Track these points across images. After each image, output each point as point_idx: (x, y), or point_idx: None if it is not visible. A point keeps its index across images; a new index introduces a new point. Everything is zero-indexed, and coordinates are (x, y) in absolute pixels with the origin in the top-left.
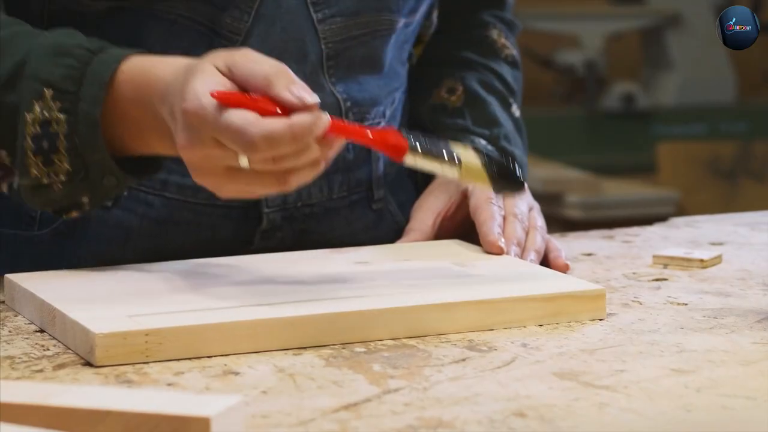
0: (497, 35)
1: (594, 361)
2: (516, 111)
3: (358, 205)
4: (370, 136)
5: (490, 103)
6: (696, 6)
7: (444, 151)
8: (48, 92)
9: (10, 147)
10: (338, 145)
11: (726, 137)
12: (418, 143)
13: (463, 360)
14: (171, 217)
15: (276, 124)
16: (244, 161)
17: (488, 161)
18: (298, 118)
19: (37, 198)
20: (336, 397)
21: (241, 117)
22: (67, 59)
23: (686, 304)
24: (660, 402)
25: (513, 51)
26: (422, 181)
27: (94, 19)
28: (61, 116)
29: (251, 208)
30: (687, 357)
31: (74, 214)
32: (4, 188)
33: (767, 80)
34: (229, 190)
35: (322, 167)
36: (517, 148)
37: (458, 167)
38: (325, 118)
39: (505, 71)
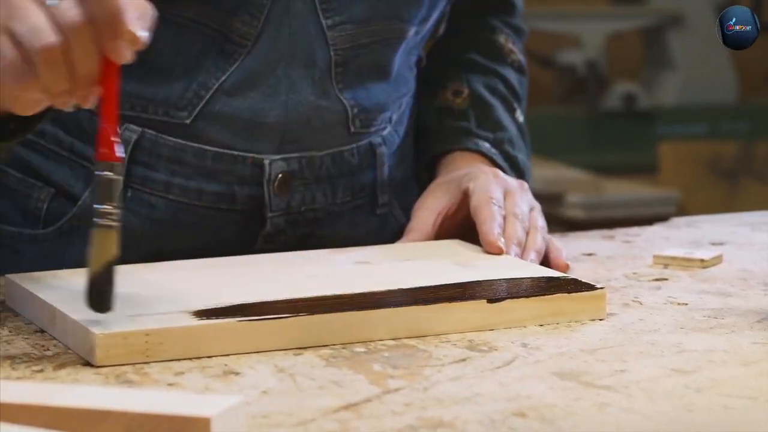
0: (504, 40)
1: (594, 361)
2: (520, 116)
3: (362, 210)
4: (101, 124)
5: (495, 107)
6: (697, 6)
7: (117, 211)
8: None
9: None
10: (92, 98)
11: (727, 137)
12: (111, 179)
13: (464, 360)
14: (174, 220)
15: None
16: None
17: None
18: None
19: None
20: (336, 397)
21: None
22: None
23: (687, 304)
24: (660, 402)
25: (519, 56)
26: (428, 183)
27: None
28: None
29: (255, 211)
30: (687, 357)
31: None
32: None
33: None
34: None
35: (65, 98)
36: (521, 153)
37: (106, 225)
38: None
39: (511, 76)
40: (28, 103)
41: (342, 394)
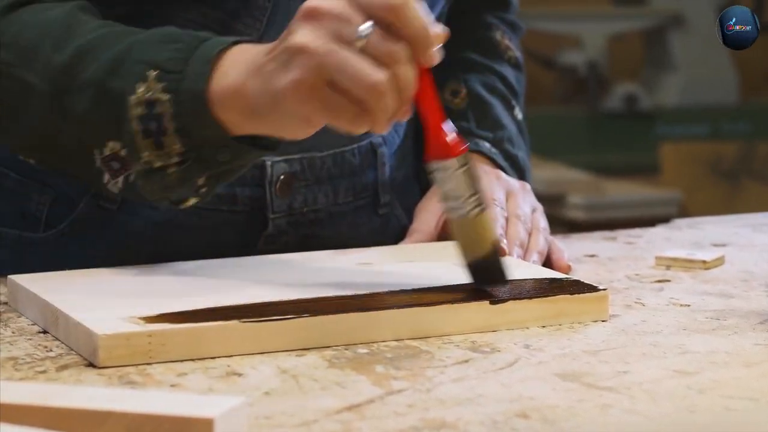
0: (500, 36)
1: (597, 363)
2: (519, 113)
3: (363, 211)
4: (438, 122)
5: (493, 105)
6: (698, 6)
7: (480, 193)
8: (152, 73)
9: (119, 136)
10: (411, 109)
11: (728, 138)
12: (470, 169)
13: (466, 361)
14: (176, 221)
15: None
16: (366, 27)
17: (497, 245)
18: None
19: (151, 184)
20: (339, 398)
21: None
22: (175, 44)
23: (689, 306)
24: (663, 403)
25: (516, 53)
26: (429, 184)
27: None
28: (165, 96)
29: (256, 213)
30: (690, 358)
31: (192, 201)
32: (120, 183)
33: None
34: (316, 106)
35: (391, 120)
36: (521, 151)
37: (477, 212)
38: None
39: (508, 73)
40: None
41: (344, 395)
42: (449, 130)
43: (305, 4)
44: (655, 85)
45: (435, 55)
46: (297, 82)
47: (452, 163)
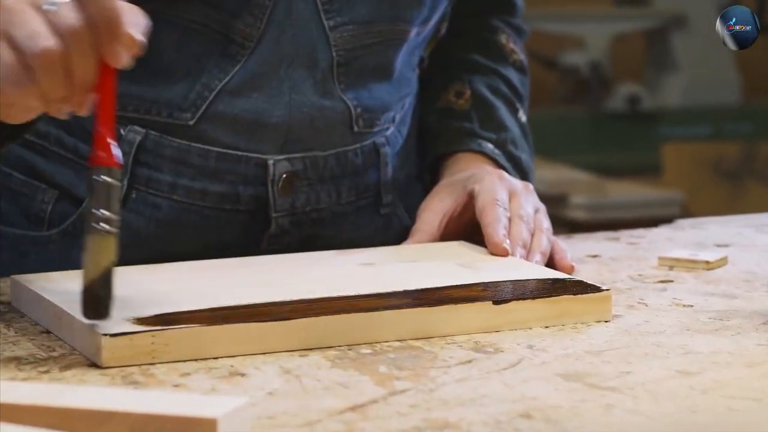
0: (506, 40)
1: (600, 363)
2: (523, 116)
3: (366, 210)
4: (98, 128)
5: (497, 107)
6: (701, 7)
7: (115, 215)
8: None
9: None
10: (87, 104)
11: (731, 138)
12: (110, 184)
13: (469, 361)
14: (179, 220)
15: None
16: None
17: (106, 273)
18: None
19: None
20: (342, 399)
21: None
22: None
23: (692, 306)
24: (665, 403)
25: (521, 56)
26: (431, 184)
27: None
28: None
29: (259, 212)
30: (692, 359)
31: None
32: None
33: None
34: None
35: (62, 103)
36: (524, 153)
37: (102, 231)
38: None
39: (513, 76)
40: (23, 110)
41: (348, 396)
42: (113, 141)
43: None
44: (657, 86)
45: (119, 54)
46: None
47: (104, 170)
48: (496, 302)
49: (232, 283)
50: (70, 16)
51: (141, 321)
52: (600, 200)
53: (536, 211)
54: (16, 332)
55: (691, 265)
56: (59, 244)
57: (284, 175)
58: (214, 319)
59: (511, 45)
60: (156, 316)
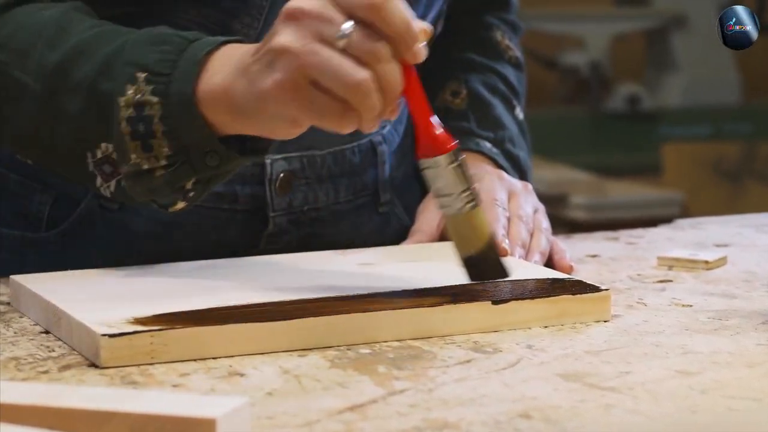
0: (501, 37)
1: (599, 363)
2: (520, 113)
3: (364, 209)
4: (427, 119)
5: (494, 105)
6: (701, 7)
7: (473, 188)
8: (141, 75)
9: (111, 138)
10: (398, 107)
11: (731, 138)
12: (462, 158)
13: (468, 361)
14: (177, 220)
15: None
16: (347, 27)
17: (492, 239)
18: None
19: (139, 186)
20: (341, 399)
21: None
22: (164, 46)
23: (691, 306)
24: (665, 403)
25: (517, 53)
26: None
27: None
28: (154, 99)
29: (257, 211)
30: (692, 358)
31: (180, 205)
32: (112, 187)
33: None
34: (301, 106)
35: (379, 119)
36: (522, 151)
37: (470, 208)
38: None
39: (509, 73)
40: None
41: (347, 396)
42: (438, 127)
43: (287, 5)
44: (657, 86)
45: (419, 52)
46: (280, 83)
47: (442, 159)
48: (495, 302)
49: (230, 284)
50: (364, 40)
51: (140, 321)
52: (600, 200)
53: (535, 211)
54: (15, 332)
55: (690, 265)
56: (57, 245)
57: (282, 174)
58: (213, 320)
59: (507, 42)
60: (155, 316)
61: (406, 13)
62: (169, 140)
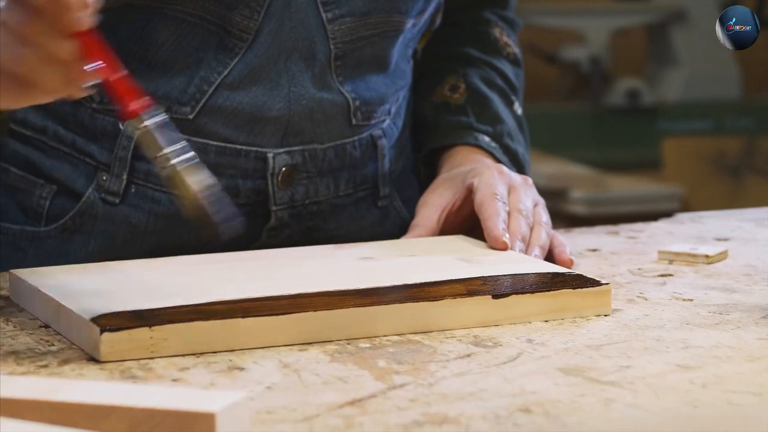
0: (499, 33)
1: (599, 357)
2: (518, 108)
3: (363, 203)
4: (114, 79)
5: (492, 100)
6: (701, 1)
7: (174, 150)
8: None
9: None
10: (92, 71)
11: (731, 133)
12: (154, 122)
13: (469, 356)
14: (178, 214)
15: None
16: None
17: (207, 199)
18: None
19: None
20: (341, 393)
21: None
22: None
23: (692, 300)
24: (665, 398)
25: (515, 49)
26: (426, 177)
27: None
28: None
29: (259, 205)
30: (692, 353)
31: None
32: None
33: None
34: None
35: (71, 86)
36: (520, 146)
37: (171, 170)
38: (87, 18)
39: (507, 68)
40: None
41: (347, 390)
42: (128, 91)
43: None
44: (657, 81)
45: (78, 21)
46: None
47: (133, 123)
48: (496, 296)
49: (230, 278)
50: (17, 18)
51: (139, 315)
52: (600, 195)
53: (535, 205)
54: (14, 327)
55: (691, 259)
56: (57, 240)
57: (284, 168)
58: (213, 314)
59: (505, 38)
60: (154, 310)
61: None
62: None
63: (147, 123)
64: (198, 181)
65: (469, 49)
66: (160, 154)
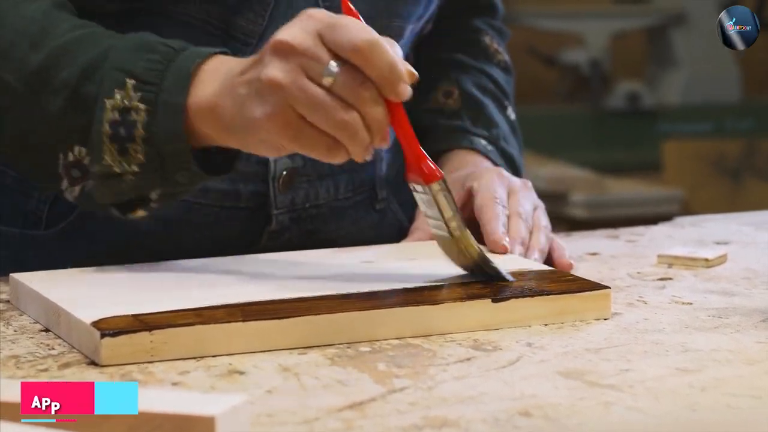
0: (489, 41)
1: (599, 361)
2: (511, 114)
3: (362, 206)
4: (416, 151)
5: (486, 105)
6: (701, 4)
7: (458, 215)
8: (130, 82)
9: (86, 141)
10: (388, 138)
11: (731, 135)
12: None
13: (468, 359)
14: (179, 218)
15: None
16: (333, 66)
17: (482, 257)
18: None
19: (105, 188)
20: (341, 396)
21: (350, 21)
22: (151, 54)
23: (691, 304)
24: (665, 401)
25: (505, 57)
26: None
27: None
28: (142, 106)
29: (260, 209)
30: (692, 356)
31: (139, 213)
32: (77, 191)
33: None
34: (289, 137)
35: (369, 150)
36: (514, 150)
37: (458, 232)
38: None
39: (499, 75)
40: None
41: (347, 393)
42: (426, 158)
43: (275, 37)
44: (657, 83)
45: (404, 92)
46: (271, 115)
47: (430, 188)
48: (495, 300)
49: (230, 281)
50: (349, 81)
51: (140, 319)
52: (600, 198)
53: (535, 208)
54: (14, 330)
55: (690, 262)
56: (57, 244)
57: (285, 172)
58: (213, 317)
59: (496, 46)
60: (155, 314)
61: (391, 55)
62: (147, 147)
63: (446, 186)
64: (473, 248)
65: (461, 55)
66: (449, 215)
